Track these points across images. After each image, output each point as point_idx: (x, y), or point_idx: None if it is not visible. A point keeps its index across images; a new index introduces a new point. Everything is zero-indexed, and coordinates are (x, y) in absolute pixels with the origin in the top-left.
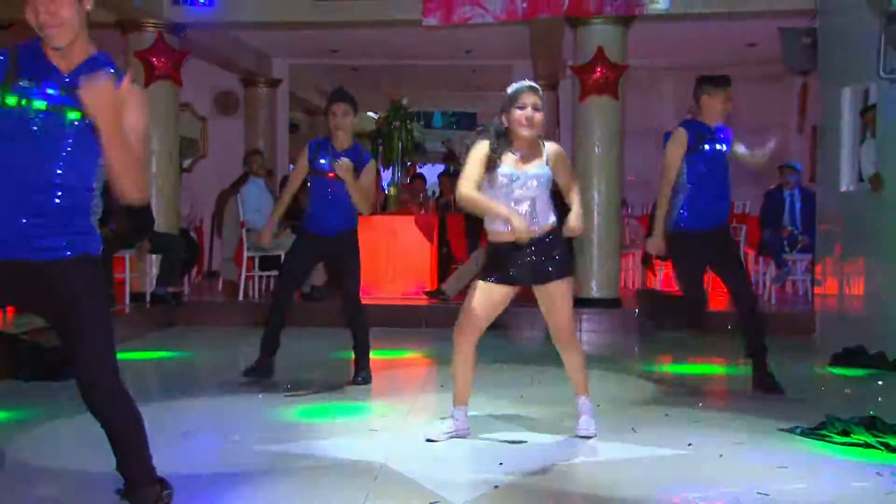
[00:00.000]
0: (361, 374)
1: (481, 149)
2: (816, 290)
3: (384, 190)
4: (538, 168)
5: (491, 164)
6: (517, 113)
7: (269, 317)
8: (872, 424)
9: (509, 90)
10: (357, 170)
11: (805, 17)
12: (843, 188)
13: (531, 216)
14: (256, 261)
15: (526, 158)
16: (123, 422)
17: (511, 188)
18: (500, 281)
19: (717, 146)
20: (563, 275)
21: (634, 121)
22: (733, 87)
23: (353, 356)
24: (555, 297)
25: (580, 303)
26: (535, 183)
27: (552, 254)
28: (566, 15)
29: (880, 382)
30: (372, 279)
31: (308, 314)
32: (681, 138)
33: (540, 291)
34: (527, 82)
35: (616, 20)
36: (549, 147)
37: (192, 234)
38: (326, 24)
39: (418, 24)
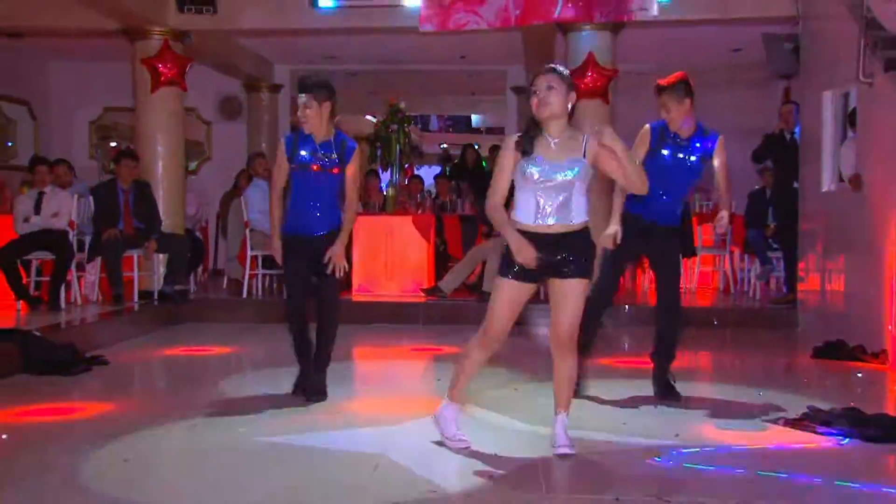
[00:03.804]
0: (316, 391)
1: (507, 147)
2: (799, 285)
3: (383, 191)
4: (571, 161)
5: (523, 153)
6: (532, 99)
7: (290, 331)
8: (852, 414)
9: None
10: (343, 162)
11: (788, 24)
12: (825, 188)
13: (563, 212)
14: (260, 259)
15: (561, 148)
16: None
17: (542, 181)
18: (521, 277)
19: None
20: (581, 275)
21: (624, 124)
22: (719, 92)
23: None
24: (568, 294)
25: None
26: (566, 177)
27: (578, 252)
28: (557, 21)
29: (860, 374)
30: (371, 277)
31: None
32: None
33: (555, 286)
34: (546, 65)
35: (606, 26)
36: (592, 141)
37: (198, 234)
38: (326, 32)
39: (415, 31)
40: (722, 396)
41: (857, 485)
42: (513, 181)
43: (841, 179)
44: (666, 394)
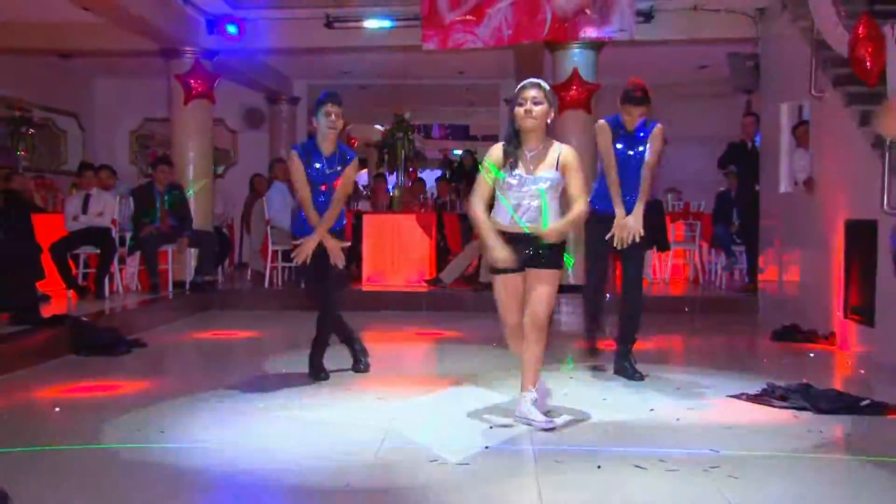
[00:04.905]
0: (321, 373)
1: (489, 158)
2: (759, 276)
3: (389, 192)
4: (547, 172)
5: (506, 165)
6: (517, 109)
7: (323, 322)
8: (806, 390)
9: (516, 90)
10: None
11: (749, 44)
12: (782, 189)
13: (536, 216)
14: (280, 254)
15: (537, 160)
16: None
17: (520, 190)
18: (509, 269)
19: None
20: (552, 266)
21: None
22: (689, 104)
23: (311, 350)
24: (541, 281)
25: (559, 289)
26: (543, 186)
27: (550, 248)
28: (546, 41)
29: (812, 355)
30: (379, 269)
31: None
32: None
33: (530, 275)
34: (530, 80)
35: (589, 45)
36: (564, 152)
37: (225, 230)
38: (339, 50)
39: (418, 49)
40: (691, 374)
41: (807, 454)
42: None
43: (795, 182)
44: (623, 372)
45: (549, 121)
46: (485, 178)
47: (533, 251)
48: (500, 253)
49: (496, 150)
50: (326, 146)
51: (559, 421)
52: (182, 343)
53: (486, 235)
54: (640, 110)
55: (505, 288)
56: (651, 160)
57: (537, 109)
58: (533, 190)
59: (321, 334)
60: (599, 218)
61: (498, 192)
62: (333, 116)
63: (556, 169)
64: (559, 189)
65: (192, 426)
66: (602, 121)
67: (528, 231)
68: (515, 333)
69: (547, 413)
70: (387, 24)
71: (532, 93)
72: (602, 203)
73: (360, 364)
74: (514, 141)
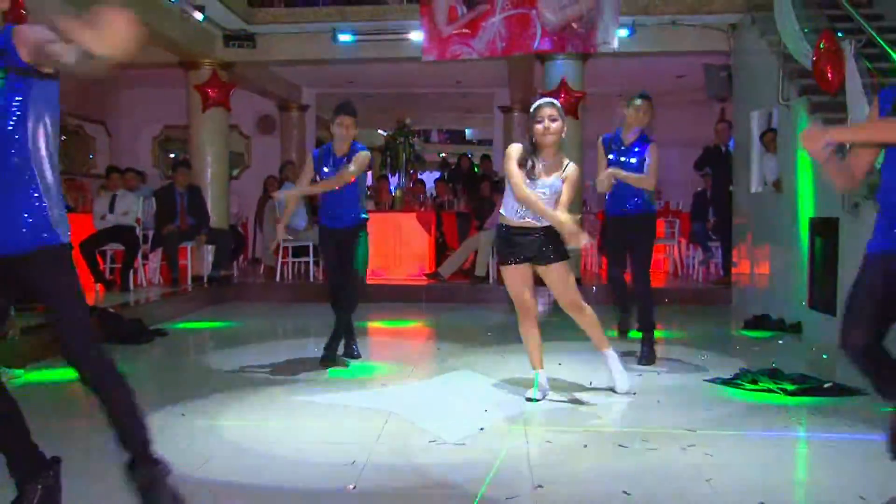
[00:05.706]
0: (331, 354)
1: (515, 151)
2: (733, 269)
3: (391, 192)
4: (554, 180)
5: (528, 168)
6: (536, 126)
7: (342, 314)
8: (774, 374)
9: (531, 108)
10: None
11: (722, 56)
12: (753, 190)
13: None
14: (291, 250)
15: (549, 169)
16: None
17: (534, 192)
18: (515, 261)
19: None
20: (560, 258)
21: (591, 136)
22: (667, 111)
23: (331, 334)
24: (555, 275)
25: None
26: (546, 190)
27: (553, 242)
28: (536, 52)
29: (781, 342)
30: (382, 264)
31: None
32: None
33: (543, 272)
34: (544, 99)
35: (576, 57)
36: (570, 168)
37: (240, 228)
38: (345, 61)
39: (418, 60)
40: (670, 360)
41: (775, 432)
42: (503, 183)
43: (765, 183)
44: (646, 356)
45: (563, 134)
46: (512, 170)
47: (542, 246)
48: (572, 227)
49: (517, 149)
50: (340, 149)
51: (551, 397)
52: (200, 332)
53: (547, 212)
54: (646, 104)
55: (509, 276)
56: (647, 174)
57: (554, 126)
58: (539, 192)
59: (339, 326)
60: (614, 218)
61: (507, 191)
62: (345, 127)
63: (561, 180)
64: (557, 196)
65: (211, 409)
66: (600, 138)
67: (531, 226)
68: (524, 314)
69: (544, 396)
70: (419, 34)
71: (548, 111)
72: (615, 206)
73: (352, 350)
74: (533, 153)
